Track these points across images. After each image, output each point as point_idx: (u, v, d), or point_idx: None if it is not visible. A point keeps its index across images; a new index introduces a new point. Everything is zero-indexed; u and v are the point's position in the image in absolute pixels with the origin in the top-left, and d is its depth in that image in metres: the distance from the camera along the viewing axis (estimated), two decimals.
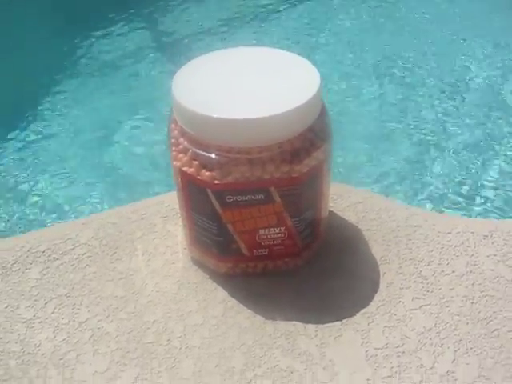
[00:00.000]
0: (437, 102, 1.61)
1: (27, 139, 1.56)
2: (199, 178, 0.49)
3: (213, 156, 0.48)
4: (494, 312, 0.53)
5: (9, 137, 1.57)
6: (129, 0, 2.09)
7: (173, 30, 2.01)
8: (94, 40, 1.93)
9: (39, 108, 1.67)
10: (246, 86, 0.50)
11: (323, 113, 0.51)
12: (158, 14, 2.09)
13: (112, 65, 1.84)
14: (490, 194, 1.30)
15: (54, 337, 0.52)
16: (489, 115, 1.54)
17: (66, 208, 1.34)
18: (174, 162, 0.51)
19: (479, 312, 0.53)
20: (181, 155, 0.50)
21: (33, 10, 1.93)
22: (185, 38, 1.94)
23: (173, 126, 0.51)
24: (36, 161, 1.49)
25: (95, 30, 1.96)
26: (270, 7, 2.10)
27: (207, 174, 0.48)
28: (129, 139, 1.53)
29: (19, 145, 1.54)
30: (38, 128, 1.60)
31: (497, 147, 1.44)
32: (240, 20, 2.04)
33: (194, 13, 2.07)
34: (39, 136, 1.58)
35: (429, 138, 1.48)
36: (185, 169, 0.50)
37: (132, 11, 2.06)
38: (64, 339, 0.52)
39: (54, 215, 1.32)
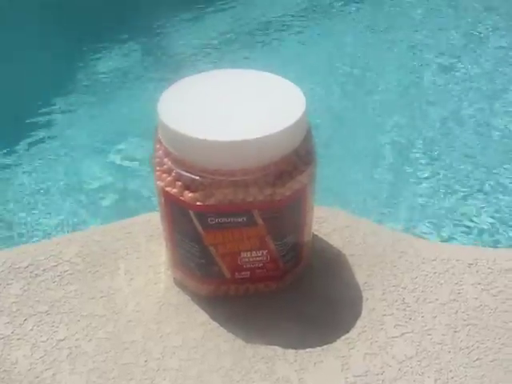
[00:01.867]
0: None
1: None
2: (182, 198, 0.48)
3: (196, 177, 0.48)
4: (477, 341, 0.52)
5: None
6: (126, 20, 2.10)
7: (167, 51, 2.02)
8: (89, 60, 1.94)
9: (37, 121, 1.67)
10: (231, 108, 0.50)
11: (308, 136, 0.51)
12: (152, 36, 2.10)
13: (105, 84, 1.84)
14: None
15: (31, 354, 0.52)
16: None
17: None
18: (158, 182, 0.50)
19: (461, 341, 0.52)
20: (164, 175, 0.50)
21: (31, 28, 1.94)
22: (178, 57, 1.95)
23: (158, 145, 0.51)
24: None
25: (91, 50, 1.97)
26: (264, 31, 2.12)
27: (190, 195, 0.48)
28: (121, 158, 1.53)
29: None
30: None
31: None
32: (232, 42, 2.06)
33: (187, 34, 2.09)
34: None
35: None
36: (168, 189, 0.49)
37: (127, 34, 2.07)
38: (41, 357, 0.51)
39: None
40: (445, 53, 1.96)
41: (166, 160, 0.50)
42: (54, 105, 1.73)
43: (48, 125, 1.67)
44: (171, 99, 0.51)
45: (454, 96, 1.75)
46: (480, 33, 2.03)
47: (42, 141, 1.62)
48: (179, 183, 0.49)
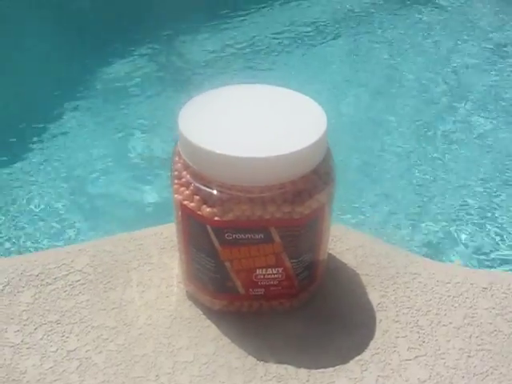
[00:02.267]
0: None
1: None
2: (199, 213, 0.48)
3: (214, 192, 0.48)
4: (491, 367, 0.52)
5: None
6: (137, 28, 2.10)
7: (183, 63, 2.02)
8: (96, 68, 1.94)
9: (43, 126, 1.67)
10: (251, 123, 0.50)
11: (328, 156, 0.51)
12: (167, 45, 2.10)
13: (117, 93, 1.84)
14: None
15: (41, 364, 0.51)
16: None
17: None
18: (176, 195, 0.50)
19: (475, 366, 0.52)
20: (182, 189, 0.50)
21: (42, 31, 1.94)
22: (195, 69, 1.95)
23: (176, 158, 0.51)
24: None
25: (96, 60, 1.97)
26: (285, 42, 2.12)
27: (208, 209, 0.48)
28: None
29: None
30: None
31: None
32: (254, 54, 2.05)
33: (207, 44, 2.09)
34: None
35: None
36: (186, 203, 0.49)
37: (138, 40, 2.07)
38: (50, 367, 0.51)
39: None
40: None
41: (184, 173, 0.50)
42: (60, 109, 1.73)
43: (51, 128, 1.67)
44: (192, 112, 0.51)
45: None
46: None
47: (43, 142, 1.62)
48: (197, 197, 0.48)
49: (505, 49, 2.06)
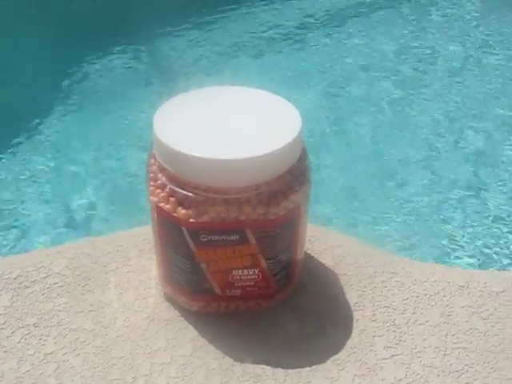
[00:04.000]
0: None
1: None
2: (175, 215, 0.48)
3: (190, 194, 0.48)
4: (466, 365, 0.52)
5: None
6: (125, 30, 2.09)
7: (166, 64, 2.02)
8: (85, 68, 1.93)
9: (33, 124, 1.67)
10: (226, 125, 0.50)
11: (303, 156, 0.51)
12: (150, 47, 2.09)
13: (101, 95, 1.84)
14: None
15: (18, 368, 0.51)
16: None
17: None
18: (151, 197, 0.50)
19: (451, 364, 0.52)
20: (158, 191, 0.50)
21: (30, 34, 1.93)
22: (178, 70, 1.95)
23: (152, 160, 0.51)
24: None
25: (88, 59, 1.96)
26: (267, 47, 2.12)
27: (183, 211, 0.48)
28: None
29: None
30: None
31: None
32: (235, 57, 2.05)
33: (187, 47, 2.09)
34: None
35: None
36: (161, 205, 0.49)
37: (126, 42, 2.06)
38: (27, 371, 0.51)
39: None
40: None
41: (160, 175, 0.50)
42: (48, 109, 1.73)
43: (41, 125, 1.67)
44: (167, 115, 0.51)
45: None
46: None
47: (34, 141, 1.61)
48: (173, 199, 0.49)
49: None
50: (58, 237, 1.30)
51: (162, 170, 0.50)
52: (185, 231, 0.49)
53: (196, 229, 0.48)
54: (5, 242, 1.29)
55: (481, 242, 1.29)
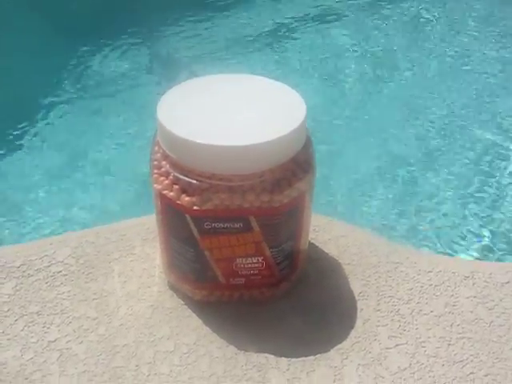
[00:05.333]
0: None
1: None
2: (179, 202, 0.48)
3: (193, 181, 0.48)
4: (471, 355, 0.52)
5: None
6: (126, 20, 2.09)
7: (170, 52, 2.01)
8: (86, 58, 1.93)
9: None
10: (231, 113, 0.50)
11: (307, 144, 0.51)
12: (154, 37, 2.09)
13: (105, 85, 1.84)
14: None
15: (21, 355, 0.51)
16: None
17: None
18: (155, 185, 0.50)
19: (455, 354, 0.52)
20: (162, 178, 0.49)
21: (28, 26, 1.93)
22: (181, 60, 1.95)
23: (156, 148, 0.51)
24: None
25: (86, 50, 1.96)
26: (271, 36, 2.11)
27: (187, 199, 0.48)
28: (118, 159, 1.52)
29: None
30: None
31: None
32: (240, 47, 2.05)
33: (192, 35, 2.08)
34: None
35: None
36: (165, 192, 0.49)
37: (127, 33, 2.06)
38: (31, 358, 0.51)
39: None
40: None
41: (163, 163, 0.50)
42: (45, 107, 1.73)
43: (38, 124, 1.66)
44: (171, 102, 0.51)
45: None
46: None
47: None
48: (176, 187, 0.48)
49: None
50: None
51: (166, 157, 0.49)
52: (188, 219, 0.48)
53: (200, 216, 0.48)
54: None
55: None
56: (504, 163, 1.47)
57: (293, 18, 2.19)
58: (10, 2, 1.99)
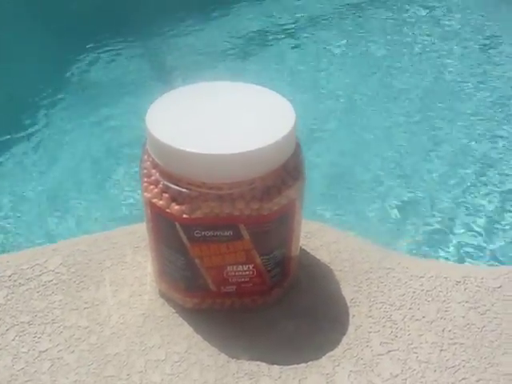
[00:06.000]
0: None
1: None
2: (168, 211, 0.48)
3: (183, 190, 0.48)
4: (463, 360, 0.52)
5: None
6: (124, 25, 2.09)
7: (164, 59, 2.02)
8: (83, 64, 1.93)
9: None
10: (220, 120, 0.50)
11: (297, 151, 0.51)
12: (149, 43, 2.09)
13: (100, 89, 1.84)
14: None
15: (12, 365, 0.51)
16: None
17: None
18: (145, 194, 0.50)
19: (448, 360, 0.52)
20: (151, 187, 0.49)
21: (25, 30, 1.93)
22: (176, 67, 1.95)
23: (145, 156, 0.51)
24: None
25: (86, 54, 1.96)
26: (260, 45, 2.11)
27: (176, 207, 0.48)
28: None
29: None
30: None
31: None
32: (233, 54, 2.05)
33: (187, 43, 2.08)
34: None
35: None
36: (154, 201, 0.49)
37: (124, 38, 2.06)
38: (22, 368, 0.51)
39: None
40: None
41: (153, 171, 0.50)
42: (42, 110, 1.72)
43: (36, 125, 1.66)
44: (160, 110, 0.51)
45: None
46: None
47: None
48: (166, 195, 0.48)
49: None
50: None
51: (156, 165, 0.49)
52: (178, 227, 0.48)
53: (189, 224, 0.48)
54: None
55: None
56: None
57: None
58: (10, 2, 2.00)
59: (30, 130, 1.64)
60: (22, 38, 1.89)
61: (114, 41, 2.04)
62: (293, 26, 2.21)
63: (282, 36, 2.15)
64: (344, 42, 2.08)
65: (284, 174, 0.49)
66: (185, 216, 0.48)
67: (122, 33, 2.06)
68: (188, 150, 0.46)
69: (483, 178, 1.45)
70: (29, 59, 1.84)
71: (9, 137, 1.60)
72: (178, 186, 0.48)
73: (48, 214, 1.37)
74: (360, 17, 2.26)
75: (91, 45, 2.00)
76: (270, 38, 2.14)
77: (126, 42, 2.04)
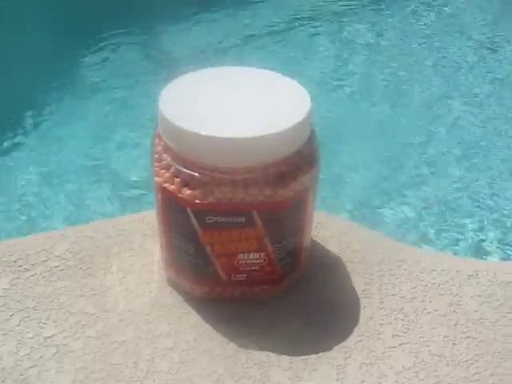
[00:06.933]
0: None
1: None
2: (180, 195, 0.47)
3: (195, 174, 0.47)
4: (476, 355, 0.51)
5: None
6: (126, 15, 2.08)
7: (169, 49, 2.01)
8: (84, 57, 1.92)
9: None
10: (234, 105, 0.49)
11: (312, 137, 0.50)
12: (153, 32, 2.08)
13: (103, 81, 1.83)
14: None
15: (17, 351, 0.50)
16: None
17: None
18: (156, 178, 0.49)
19: (460, 354, 0.51)
20: (163, 171, 0.48)
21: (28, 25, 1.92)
22: (180, 56, 1.94)
23: (157, 140, 0.50)
24: None
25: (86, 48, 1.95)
26: (270, 34, 2.10)
27: (188, 192, 0.47)
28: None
29: None
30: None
31: None
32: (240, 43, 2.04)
33: (192, 32, 2.07)
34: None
35: None
36: (166, 185, 0.48)
37: (125, 29, 2.05)
38: (27, 354, 0.50)
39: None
40: None
41: (165, 156, 0.49)
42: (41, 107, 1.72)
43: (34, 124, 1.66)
44: (173, 94, 0.50)
45: None
46: None
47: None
48: (178, 180, 0.47)
49: None
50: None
51: (167, 149, 0.48)
52: (190, 212, 0.47)
53: (201, 210, 0.47)
54: None
55: None
56: None
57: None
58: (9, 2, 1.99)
59: (30, 130, 1.63)
60: (22, 37, 1.88)
61: (118, 38, 2.03)
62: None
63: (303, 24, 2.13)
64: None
65: (299, 161, 0.48)
66: (197, 201, 0.47)
67: (127, 29, 2.05)
68: (202, 133, 0.45)
69: None
70: (29, 59, 1.83)
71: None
72: (190, 170, 0.47)
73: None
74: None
75: (97, 40, 1.99)
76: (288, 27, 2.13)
77: (127, 40, 2.04)
